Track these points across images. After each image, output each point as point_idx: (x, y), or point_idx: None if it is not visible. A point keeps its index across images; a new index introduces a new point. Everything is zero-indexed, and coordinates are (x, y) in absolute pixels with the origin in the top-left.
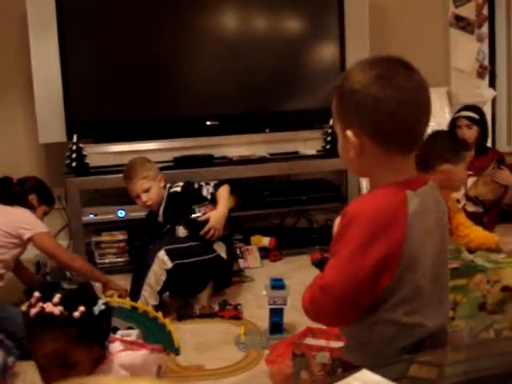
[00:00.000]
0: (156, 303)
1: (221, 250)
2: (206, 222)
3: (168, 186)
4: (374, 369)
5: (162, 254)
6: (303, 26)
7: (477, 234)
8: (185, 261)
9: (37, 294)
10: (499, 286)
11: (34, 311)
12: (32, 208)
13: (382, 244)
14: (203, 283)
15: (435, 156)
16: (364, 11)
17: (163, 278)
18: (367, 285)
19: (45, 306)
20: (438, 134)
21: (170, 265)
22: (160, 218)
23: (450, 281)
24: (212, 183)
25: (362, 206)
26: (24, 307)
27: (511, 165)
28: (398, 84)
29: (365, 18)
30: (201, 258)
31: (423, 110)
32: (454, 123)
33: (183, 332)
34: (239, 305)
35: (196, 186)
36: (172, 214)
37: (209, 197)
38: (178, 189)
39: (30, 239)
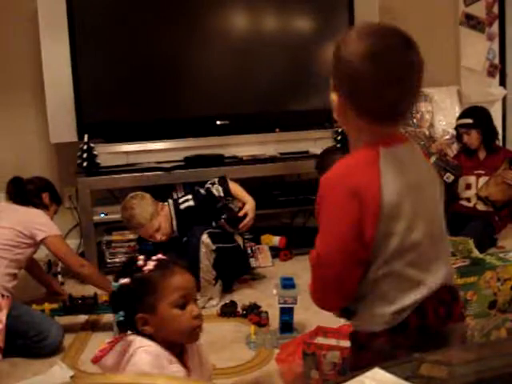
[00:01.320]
0: (215, 273)
1: (240, 241)
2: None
3: (171, 201)
4: (385, 367)
5: (205, 238)
6: (313, 26)
7: None
8: (220, 245)
9: (141, 257)
10: (510, 284)
11: (152, 262)
12: (45, 207)
13: (355, 205)
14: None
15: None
16: (374, 11)
17: (213, 255)
18: (355, 242)
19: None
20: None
21: (213, 246)
22: (175, 234)
23: (457, 273)
24: (216, 180)
25: (331, 174)
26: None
27: None
28: (388, 61)
29: (375, 17)
30: (231, 245)
31: (408, 90)
32: (457, 132)
33: None
34: (266, 312)
35: (203, 191)
36: (191, 227)
37: (222, 194)
38: (191, 203)
39: (42, 240)
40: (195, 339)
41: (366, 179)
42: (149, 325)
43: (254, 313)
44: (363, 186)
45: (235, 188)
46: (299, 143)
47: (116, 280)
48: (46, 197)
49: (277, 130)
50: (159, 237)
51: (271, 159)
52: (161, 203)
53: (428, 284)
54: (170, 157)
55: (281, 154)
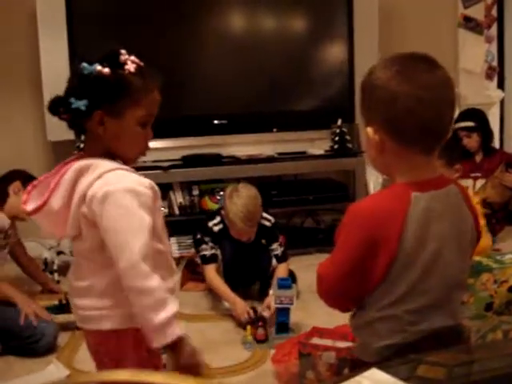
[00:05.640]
0: None
1: None
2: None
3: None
4: (382, 368)
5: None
6: (312, 26)
7: None
8: None
9: (123, 51)
10: (506, 286)
11: (133, 65)
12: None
13: (369, 250)
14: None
15: None
16: (373, 12)
17: None
18: (354, 279)
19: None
20: None
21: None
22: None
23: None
24: (281, 250)
25: (359, 206)
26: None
27: None
28: (417, 80)
29: (374, 18)
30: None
31: (445, 107)
32: (456, 134)
33: (188, 331)
34: (263, 326)
35: (277, 232)
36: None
37: (274, 253)
38: (268, 224)
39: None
40: (135, 163)
41: (389, 228)
42: (104, 126)
43: (253, 326)
44: (384, 236)
45: (283, 270)
46: (297, 143)
47: (90, 64)
48: (16, 185)
49: (274, 130)
50: (246, 238)
51: (269, 159)
52: None
53: (424, 327)
54: (168, 156)
55: (278, 154)
